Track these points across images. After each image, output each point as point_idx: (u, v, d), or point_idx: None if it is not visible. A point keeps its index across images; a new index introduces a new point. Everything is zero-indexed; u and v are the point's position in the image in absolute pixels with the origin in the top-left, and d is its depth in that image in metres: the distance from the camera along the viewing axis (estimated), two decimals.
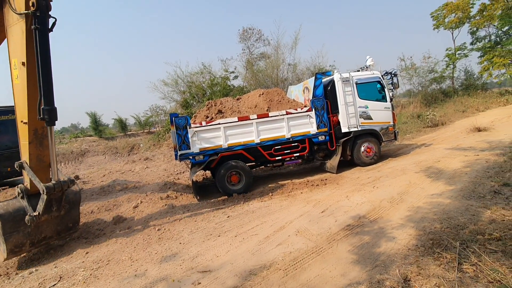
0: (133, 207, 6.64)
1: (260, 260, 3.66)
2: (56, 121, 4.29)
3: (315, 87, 7.98)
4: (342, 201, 5.52)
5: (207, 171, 9.21)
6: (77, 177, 12.10)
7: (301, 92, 9.08)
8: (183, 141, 6.91)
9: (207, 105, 8.26)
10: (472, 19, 25.50)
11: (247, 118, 7.30)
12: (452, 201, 4.64)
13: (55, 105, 4.26)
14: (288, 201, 6.06)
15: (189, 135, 6.94)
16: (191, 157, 7.00)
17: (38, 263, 4.61)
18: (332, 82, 8.33)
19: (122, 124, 28.29)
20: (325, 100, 7.98)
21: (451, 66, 26.92)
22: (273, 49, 24.14)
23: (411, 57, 25.46)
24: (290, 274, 3.25)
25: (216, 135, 7.15)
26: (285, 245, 3.98)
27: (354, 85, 8.26)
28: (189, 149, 6.94)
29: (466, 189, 5.08)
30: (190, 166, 7.45)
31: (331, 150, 8.21)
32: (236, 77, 24.30)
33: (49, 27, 4.25)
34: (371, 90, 8.49)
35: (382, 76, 8.66)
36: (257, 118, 7.33)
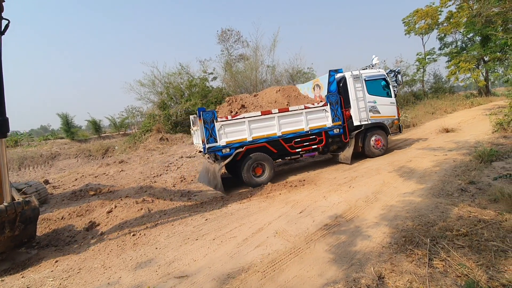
0: (106, 212, 6.38)
1: (238, 263, 3.63)
2: (7, 133, 4.03)
3: (329, 83, 8.49)
4: (319, 201, 5.60)
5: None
6: (46, 182, 11.50)
7: (310, 90, 9.64)
8: (210, 135, 7.16)
9: (228, 100, 8.60)
10: (440, 26, 26.88)
11: (269, 112, 7.65)
12: (423, 199, 4.84)
13: (7, 116, 4.00)
14: (267, 202, 6.07)
15: (216, 129, 7.20)
16: (219, 150, 7.28)
17: (5, 273, 4.31)
18: (344, 79, 8.92)
19: (96, 126, 27.17)
20: (339, 96, 8.52)
21: (422, 70, 28.23)
22: (252, 51, 24.23)
23: (384, 61, 26.39)
24: (268, 276, 3.25)
25: (241, 128, 7.45)
26: (263, 247, 3.98)
27: (363, 81, 8.89)
28: (216, 142, 7.22)
29: (436, 187, 5.32)
30: (211, 158, 7.90)
31: (345, 142, 8.78)
32: (215, 78, 24.13)
33: (1, 30, 3.99)
34: (378, 86, 9.20)
35: (386, 73, 9.41)
36: (279, 112, 7.71)
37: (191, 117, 9.26)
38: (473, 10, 22.82)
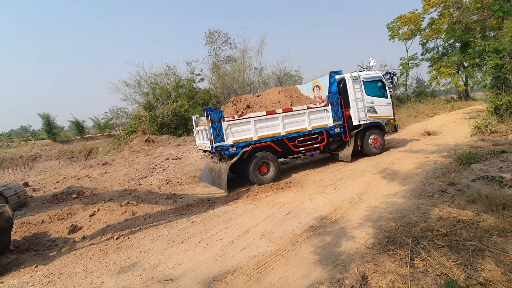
0: (89, 215, 6.22)
1: (224, 265, 3.61)
2: None
3: (330, 84, 8.79)
4: (305, 203, 5.65)
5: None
6: (26, 184, 11.12)
7: (310, 91, 9.93)
8: (218, 134, 7.28)
9: (233, 101, 8.82)
10: (422, 32, 27.72)
11: (274, 112, 7.85)
12: (405, 200, 4.96)
13: None
14: (254, 204, 6.07)
15: (223, 128, 7.33)
16: (226, 149, 7.40)
17: None
18: (343, 80, 9.25)
19: (79, 127, 26.47)
20: (339, 96, 8.81)
21: (405, 74, 29.00)
22: (240, 53, 24.32)
23: (365, 63, 26.96)
24: (254, 278, 3.25)
25: (247, 128, 7.61)
26: (249, 249, 3.98)
27: (362, 83, 9.26)
28: (224, 141, 7.35)
29: (418, 189, 5.47)
30: (216, 158, 8.14)
31: (345, 141, 9.10)
32: (202, 79, 24.07)
33: None
34: (375, 87, 9.58)
35: (383, 75, 9.83)
36: (283, 112, 7.92)
37: (194, 117, 9.52)
38: (454, 17, 23.70)
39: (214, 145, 7.25)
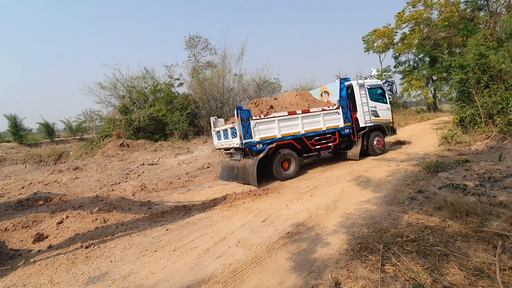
0: (56, 223, 5.91)
1: (198, 274, 3.55)
2: None
3: (341, 89, 9.94)
4: (282, 210, 5.69)
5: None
6: None
7: (317, 96, 11.04)
8: (246, 131, 7.92)
9: (255, 102, 9.59)
10: (395, 46, 29.10)
11: (294, 113, 8.67)
12: (378, 207, 5.13)
13: None
14: (231, 211, 6.03)
15: (251, 126, 7.97)
16: (253, 146, 8.05)
17: None
18: (351, 86, 10.31)
19: (48, 129, 25.24)
20: (348, 100, 9.83)
21: None
22: (220, 59, 24.32)
23: (346, 75, 27.87)
24: (229, 286, 3.21)
25: (272, 126, 8.36)
26: (225, 257, 3.93)
27: (366, 89, 10.37)
28: (252, 138, 8.01)
29: (389, 196, 5.67)
30: (238, 156, 8.84)
31: (353, 141, 10.15)
32: (181, 84, 23.77)
33: None
34: (377, 93, 10.82)
35: (383, 83, 11.11)
36: (302, 113, 8.79)
37: (212, 118, 10.35)
38: (424, 33, 25.11)
39: (244, 141, 7.87)
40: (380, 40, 29.48)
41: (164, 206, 6.91)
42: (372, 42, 30.21)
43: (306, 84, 30.36)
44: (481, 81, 9.67)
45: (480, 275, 2.77)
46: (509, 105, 9.17)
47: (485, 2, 16.18)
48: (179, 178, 10.49)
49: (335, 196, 6.13)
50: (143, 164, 13.06)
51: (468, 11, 18.29)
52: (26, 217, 6.40)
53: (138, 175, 11.24)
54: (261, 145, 8.12)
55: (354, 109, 10.17)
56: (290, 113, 8.58)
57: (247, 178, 8.21)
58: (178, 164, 12.90)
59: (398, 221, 4.37)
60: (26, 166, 16.32)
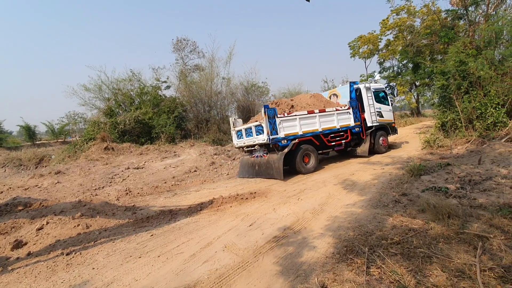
0: (36, 229, 5.69)
1: (184, 280, 3.48)
2: None
3: (351, 91, 10.87)
4: (269, 213, 5.68)
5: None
6: None
7: (327, 98, 11.79)
8: (273, 128, 8.62)
9: (276, 102, 10.44)
10: (380, 52, 29.81)
11: (313, 112, 9.57)
12: (363, 210, 5.20)
13: None
14: (217, 215, 5.98)
15: (277, 123, 8.69)
16: (279, 141, 8.77)
17: None
18: (359, 89, 11.40)
19: (29, 132, 24.44)
20: (357, 102, 10.88)
21: None
22: (208, 62, 24.22)
23: (332, 80, 28.32)
24: None
25: (294, 124, 9.17)
26: (211, 262, 3.88)
27: (372, 92, 11.49)
28: (277, 134, 8.74)
29: (374, 199, 5.76)
30: (260, 152, 9.49)
31: (362, 139, 11.11)
32: (168, 87, 23.52)
33: None
34: (381, 96, 11.95)
35: (385, 87, 12.31)
36: (319, 112, 9.71)
37: (231, 119, 10.99)
38: (407, 40, 25.83)
39: (271, 137, 8.57)
40: (366, 46, 30.13)
41: (150, 211, 6.78)
42: (358, 48, 30.83)
43: (293, 88, 30.67)
44: (462, 87, 10.00)
45: (462, 276, 2.83)
46: (487, 111, 9.52)
47: (465, 12, 16.80)
48: (165, 182, 10.33)
49: (322, 200, 6.18)
50: (128, 168, 12.80)
51: (449, 19, 18.95)
52: (4, 223, 6.15)
53: (123, 179, 11.00)
54: (285, 141, 8.86)
55: (362, 110, 11.13)
56: (309, 112, 9.45)
57: (270, 172, 8.89)
58: (164, 168, 12.71)
59: (383, 224, 4.43)
60: (5, 170, 15.72)
